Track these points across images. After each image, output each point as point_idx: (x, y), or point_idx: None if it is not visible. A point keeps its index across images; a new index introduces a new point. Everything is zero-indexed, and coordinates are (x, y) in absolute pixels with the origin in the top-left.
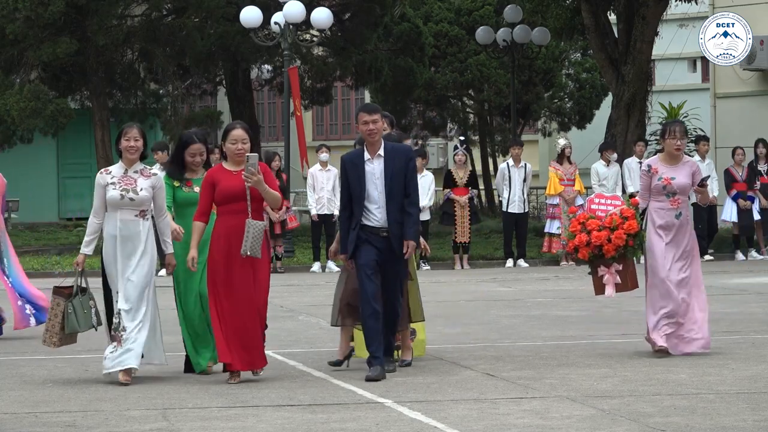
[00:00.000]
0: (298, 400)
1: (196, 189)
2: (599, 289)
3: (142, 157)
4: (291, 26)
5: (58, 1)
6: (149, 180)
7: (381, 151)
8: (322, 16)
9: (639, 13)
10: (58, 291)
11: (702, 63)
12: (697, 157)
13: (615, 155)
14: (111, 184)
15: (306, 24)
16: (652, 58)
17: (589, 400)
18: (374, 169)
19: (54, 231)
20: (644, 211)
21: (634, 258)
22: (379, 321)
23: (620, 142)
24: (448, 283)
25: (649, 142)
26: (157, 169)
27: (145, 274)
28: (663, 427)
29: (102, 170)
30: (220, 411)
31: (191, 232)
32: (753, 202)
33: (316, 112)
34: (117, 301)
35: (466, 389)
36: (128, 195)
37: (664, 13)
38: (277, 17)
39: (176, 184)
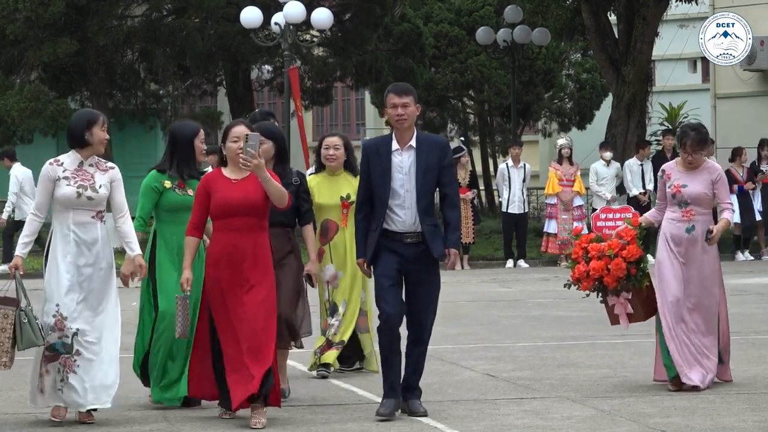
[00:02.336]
0: (298, 400)
1: (190, 192)
2: (614, 319)
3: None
4: (291, 27)
5: (59, 2)
6: (107, 174)
7: (413, 142)
8: (322, 16)
9: (639, 13)
10: (3, 300)
11: (702, 63)
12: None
13: (609, 153)
14: (64, 178)
15: (306, 24)
16: (653, 58)
17: (590, 401)
18: (403, 161)
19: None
20: (659, 226)
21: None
22: (399, 344)
23: (620, 143)
24: (448, 283)
25: (651, 143)
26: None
27: (107, 287)
28: (663, 427)
29: (51, 160)
30: (220, 410)
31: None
32: (754, 200)
33: (316, 113)
34: (59, 316)
35: (466, 389)
36: (86, 193)
37: (665, 14)
38: (278, 18)
39: (167, 185)
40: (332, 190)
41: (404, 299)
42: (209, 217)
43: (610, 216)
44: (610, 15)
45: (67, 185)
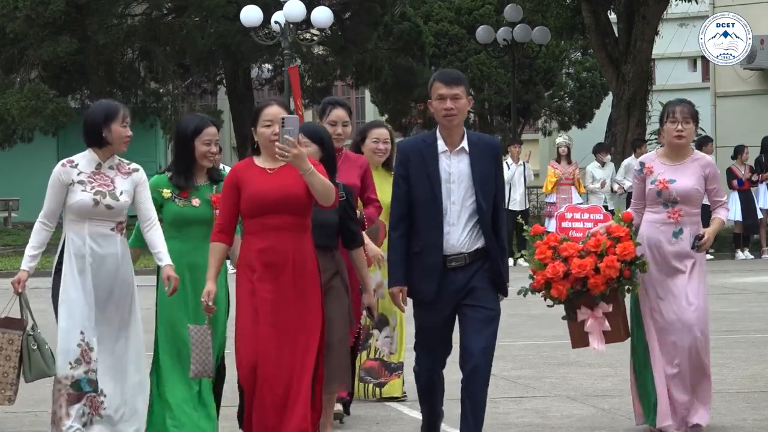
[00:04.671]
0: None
1: (196, 201)
2: (579, 339)
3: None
4: (291, 25)
5: (59, 0)
6: (130, 178)
7: (465, 143)
8: (322, 15)
9: (639, 12)
10: (6, 322)
11: (702, 62)
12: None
13: (609, 156)
14: (79, 182)
15: (306, 23)
16: (653, 57)
17: (590, 399)
18: (452, 167)
19: (54, 230)
20: (637, 228)
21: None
22: (442, 392)
23: (620, 142)
24: None
25: (649, 142)
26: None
27: (127, 311)
28: None
29: (64, 161)
30: (223, 410)
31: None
32: (757, 198)
33: (316, 112)
34: (84, 346)
35: None
36: (104, 201)
37: (665, 13)
38: (278, 16)
39: (166, 194)
40: (382, 188)
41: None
42: (241, 216)
43: (577, 216)
44: (610, 14)
45: (83, 191)
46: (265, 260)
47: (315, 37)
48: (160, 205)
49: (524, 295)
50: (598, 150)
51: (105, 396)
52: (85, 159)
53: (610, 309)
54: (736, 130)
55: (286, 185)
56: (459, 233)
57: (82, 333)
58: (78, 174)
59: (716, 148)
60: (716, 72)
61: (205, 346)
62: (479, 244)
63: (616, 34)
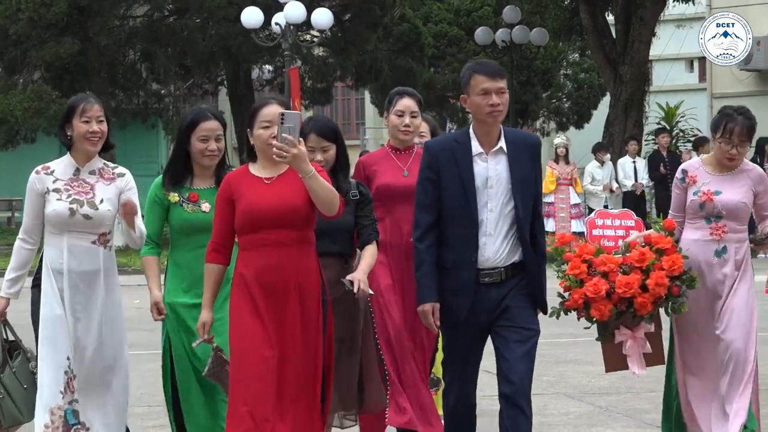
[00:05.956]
0: None
1: (206, 206)
2: (616, 362)
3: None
4: (292, 27)
5: (61, 2)
6: (113, 185)
7: (502, 143)
8: (322, 17)
9: (637, 13)
10: None
11: (699, 63)
12: (696, 158)
13: (608, 155)
14: (54, 191)
15: (306, 25)
16: (650, 58)
17: (587, 397)
18: (489, 170)
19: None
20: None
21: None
22: (472, 425)
23: (618, 142)
24: None
25: (647, 142)
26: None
27: (109, 334)
28: (659, 423)
29: (39, 168)
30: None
31: (203, 280)
32: None
33: (316, 113)
34: (70, 373)
35: None
36: (81, 210)
37: (662, 14)
38: (278, 18)
39: (173, 198)
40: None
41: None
42: (236, 232)
43: (608, 222)
44: (608, 15)
45: (58, 200)
46: (264, 280)
47: (315, 39)
48: (166, 208)
49: (557, 317)
50: (598, 149)
51: (87, 429)
52: (62, 164)
53: (652, 328)
54: None
55: (284, 196)
56: (497, 245)
57: (68, 359)
58: (54, 181)
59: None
60: (713, 73)
61: (226, 373)
62: (516, 257)
63: (614, 36)
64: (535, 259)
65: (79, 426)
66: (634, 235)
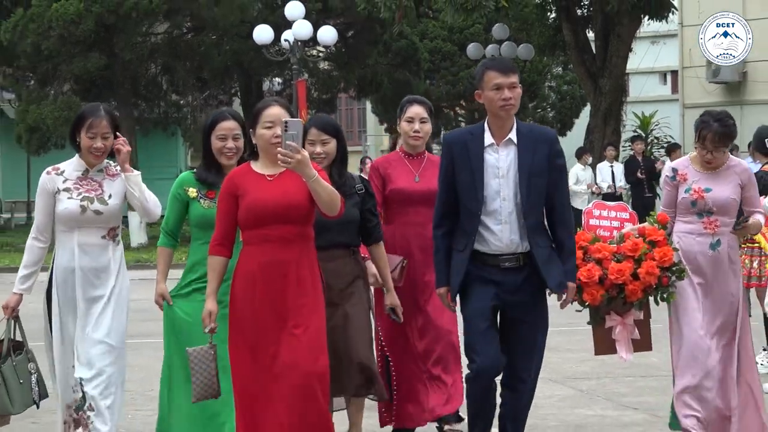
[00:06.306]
0: None
1: None
2: (605, 346)
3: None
4: (299, 43)
5: (89, 20)
6: (118, 179)
7: (513, 135)
8: (327, 34)
9: (615, 31)
10: None
11: (672, 76)
12: (669, 163)
13: (590, 158)
14: (65, 190)
15: (313, 41)
16: (627, 71)
17: (569, 382)
18: (499, 160)
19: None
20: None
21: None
22: (494, 399)
23: (597, 148)
24: None
25: (624, 148)
26: None
27: (114, 326)
28: (636, 405)
29: (50, 168)
30: None
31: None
32: None
33: None
34: (74, 367)
35: None
36: (92, 206)
37: (638, 31)
38: (287, 35)
39: (192, 194)
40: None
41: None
42: (239, 228)
43: (604, 213)
44: (589, 32)
45: (69, 198)
46: (267, 275)
47: (321, 54)
48: (185, 203)
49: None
50: (582, 153)
51: (93, 411)
52: (71, 165)
53: (641, 316)
54: None
55: (287, 193)
56: (511, 232)
57: (73, 367)
58: (64, 181)
59: (685, 154)
60: (684, 85)
61: (207, 368)
62: (539, 242)
63: (594, 51)
64: (547, 246)
65: (86, 410)
66: (628, 227)
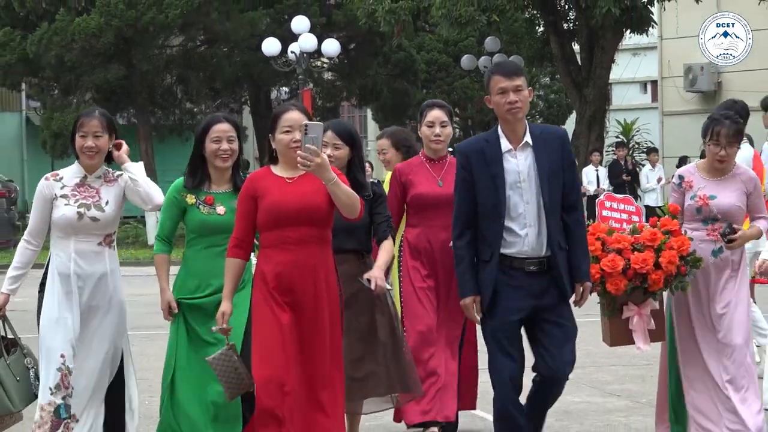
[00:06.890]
0: None
1: (221, 209)
2: (621, 337)
3: (108, 159)
4: (305, 55)
5: (109, 34)
6: (116, 185)
7: (528, 137)
8: (331, 46)
9: (599, 43)
10: None
11: (651, 86)
12: (648, 166)
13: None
14: (62, 197)
15: (318, 53)
16: (610, 81)
17: None
18: (519, 165)
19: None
20: None
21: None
22: (521, 414)
23: (583, 153)
24: None
25: (607, 153)
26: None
27: (111, 335)
28: (619, 392)
29: (48, 175)
30: None
31: (224, 277)
32: None
33: None
34: (64, 369)
35: None
36: (89, 213)
37: (620, 44)
38: (293, 47)
39: (190, 200)
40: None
41: (529, 347)
42: (258, 230)
43: (615, 205)
44: (574, 45)
45: (66, 205)
46: (285, 276)
47: (325, 65)
48: (182, 210)
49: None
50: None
51: (77, 422)
52: (70, 172)
53: (657, 306)
54: (680, 144)
55: (306, 195)
56: (537, 236)
57: (62, 356)
58: (62, 188)
59: (663, 159)
60: (663, 94)
61: (231, 367)
62: (560, 244)
63: (579, 63)
64: (559, 250)
65: (69, 420)
66: (635, 219)
